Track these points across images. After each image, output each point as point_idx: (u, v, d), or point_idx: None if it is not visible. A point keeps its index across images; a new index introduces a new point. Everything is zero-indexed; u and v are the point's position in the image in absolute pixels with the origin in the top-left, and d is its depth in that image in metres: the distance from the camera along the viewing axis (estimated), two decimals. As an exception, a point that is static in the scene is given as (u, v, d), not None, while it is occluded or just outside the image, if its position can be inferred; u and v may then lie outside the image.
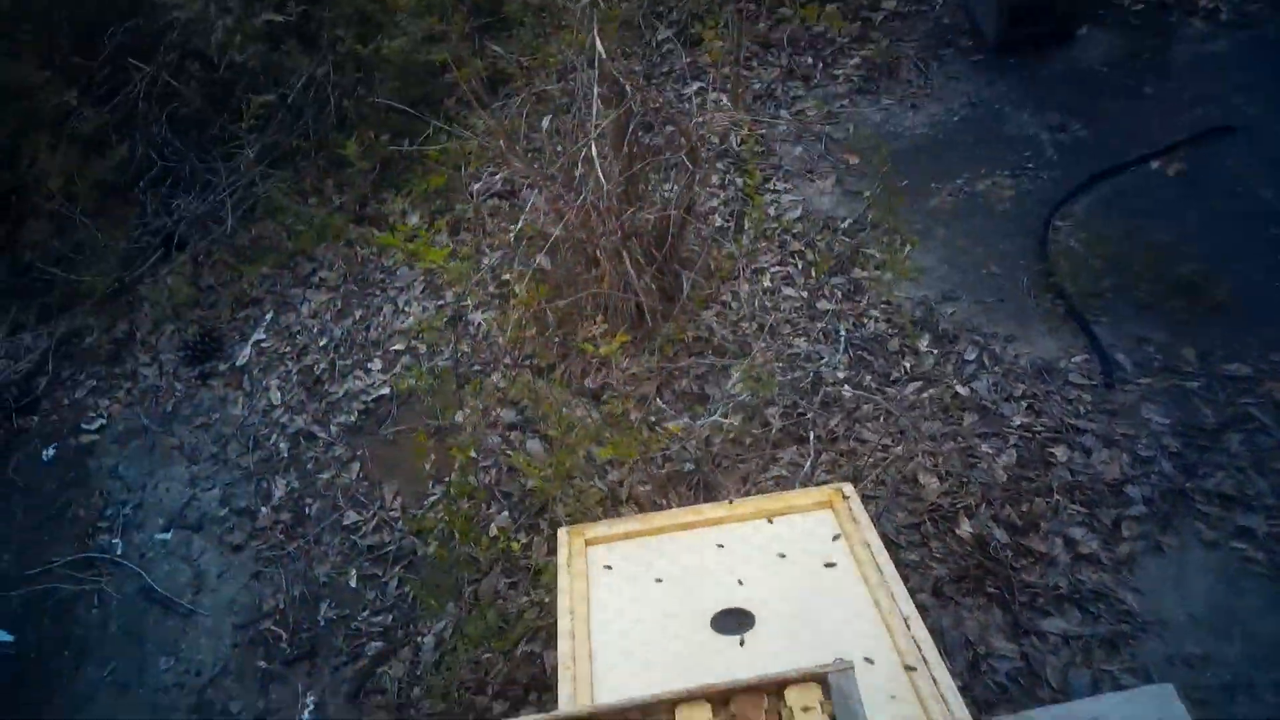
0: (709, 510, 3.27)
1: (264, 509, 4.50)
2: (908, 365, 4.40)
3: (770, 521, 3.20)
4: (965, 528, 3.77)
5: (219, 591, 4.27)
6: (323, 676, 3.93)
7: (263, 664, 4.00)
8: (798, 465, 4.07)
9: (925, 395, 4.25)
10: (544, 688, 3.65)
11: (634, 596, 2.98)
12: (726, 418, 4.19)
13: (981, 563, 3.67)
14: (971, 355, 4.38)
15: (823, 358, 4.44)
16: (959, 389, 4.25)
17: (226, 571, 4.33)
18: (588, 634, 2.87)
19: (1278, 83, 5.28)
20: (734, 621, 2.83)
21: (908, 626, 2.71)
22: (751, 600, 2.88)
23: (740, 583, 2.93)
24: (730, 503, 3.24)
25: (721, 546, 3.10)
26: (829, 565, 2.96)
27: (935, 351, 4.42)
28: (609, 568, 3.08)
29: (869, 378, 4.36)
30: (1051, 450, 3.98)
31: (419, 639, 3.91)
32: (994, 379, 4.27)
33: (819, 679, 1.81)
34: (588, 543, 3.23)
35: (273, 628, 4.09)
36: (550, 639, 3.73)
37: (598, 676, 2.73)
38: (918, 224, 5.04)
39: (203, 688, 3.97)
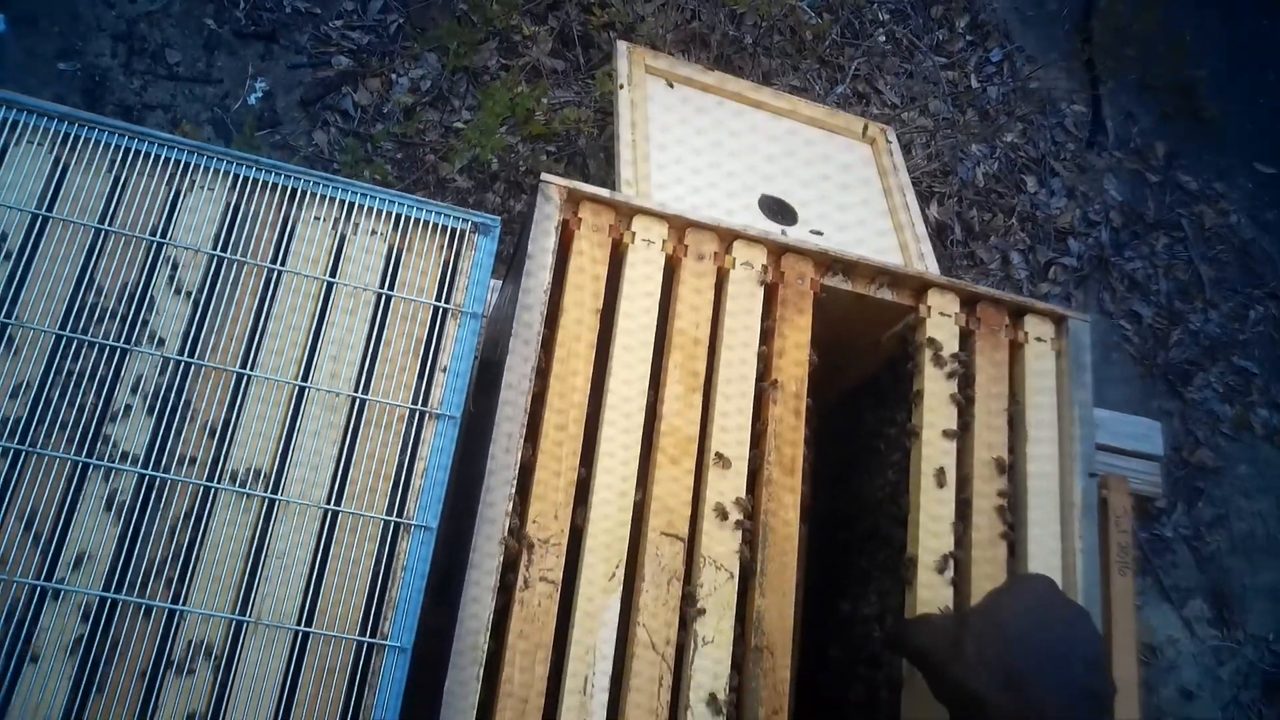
0: (766, 94, 3.22)
1: None
2: (940, 37, 4.35)
3: (820, 132, 3.22)
4: (933, 211, 3.98)
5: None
6: (278, 66, 3.59)
7: (210, 23, 3.57)
8: (813, 85, 4.02)
9: (945, 75, 4.26)
10: (515, 184, 3.59)
11: (688, 142, 2.94)
12: None
13: (935, 247, 3.92)
14: (996, 57, 4.40)
15: (872, -11, 4.28)
16: (974, 83, 4.30)
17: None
18: (647, 155, 2.82)
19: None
20: (777, 208, 2.89)
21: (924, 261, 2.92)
22: (790, 197, 2.94)
23: (783, 176, 2.97)
24: (786, 97, 3.20)
25: (770, 133, 3.09)
26: (865, 190, 3.06)
27: (969, 38, 4.39)
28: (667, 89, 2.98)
29: (904, 31, 4.28)
30: (1025, 178, 4.21)
31: (394, 76, 3.64)
32: (1005, 90, 4.35)
33: (1058, 318, 1.94)
34: (648, 69, 3.10)
35: (230, -11, 3.62)
36: (539, 140, 3.63)
37: (656, 193, 2.72)
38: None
39: (136, 18, 3.50)
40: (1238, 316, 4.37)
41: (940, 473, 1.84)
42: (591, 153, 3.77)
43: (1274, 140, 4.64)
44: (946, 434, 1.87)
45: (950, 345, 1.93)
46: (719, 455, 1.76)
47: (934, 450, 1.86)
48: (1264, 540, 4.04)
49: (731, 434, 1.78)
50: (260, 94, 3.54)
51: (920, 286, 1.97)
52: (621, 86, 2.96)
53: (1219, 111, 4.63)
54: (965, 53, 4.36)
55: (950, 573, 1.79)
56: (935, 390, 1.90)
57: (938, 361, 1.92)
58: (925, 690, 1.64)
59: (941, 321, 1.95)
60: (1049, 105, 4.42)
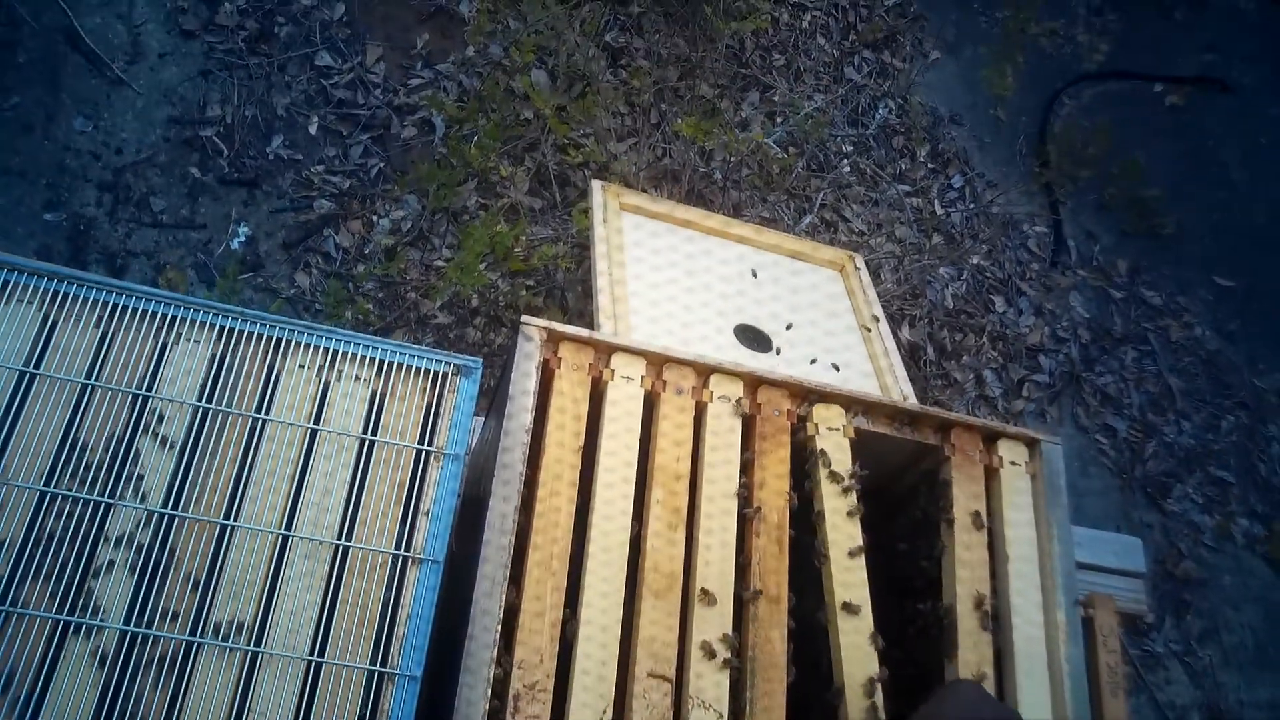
0: (736, 226, 3.31)
1: (227, 4, 3.97)
2: (903, 166, 4.51)
3: (788, 260, 3.31)
4: (905, 333, 4.06)
5: (158, 73, 3.79)
6: (260, 211, 3.68)
7: (195, 171, 3.67)
8: (782, 215, 4.15)
9: (909, 201, 4.41)
10: (495, 318, 3.65)
11: (663, 274, 3.01)
12: (743, 134, 4.14)
13: (908, 369, 3.99)
14: (958, 183, 4.57)
15: (835, 123, 4.46)
16: (938, 209, 4.45)
17: (171, 55, 3.83)
18: (624, 289, 2.88)
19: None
20: (752, 337, 2.95)
21: (903, 394, 2.96)
22: (764, 326, 3.00)
23: (757, 305, 3.03)
24: (756, 228, 3.30)
25: (742, 263, 3.17)
26: (837, 317, 3.12)
27: (930, 166, 4.56)
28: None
29: (867, 162, 4.44)
30: (993, 298, 4.32)
31: (375, 218, 3.73)
32: (968, 214, 4.50)
33: (1031, 441, 1.98)
34: (622, 206, 3.20)
35: (214, 139, 3.72)
36: (518, 275, 3.71)
37: (634, 326, 2.76)
38: (952, 35, 5.03)
39: (122, 168, 3.60)
40: (1210, 426, 4.43)
41: (847, 605, 1.84)
42: (570, 286, 3.85)
43: (1230, 253, 4.80)
44: (852, 554, 1.88)
45: (842, 461, 1.94)
46: (704, 591, 1.77)
47: (844, 574, 1.86)
48: (1255, 653, 4.02)
49: (715, 567, 1.79)
50: (243, 238, 3.62)
51: (893, 413, 2.01)
52: (597, 223, 3.05)
53: (1175, 228, 4.79)
54: (928, 180, 4.52)
55: (879, 697, 1.78)
56: (836, 508, 1.91)
57: (833, 478, 1.93)
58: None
59: (829, 434, 1.96)
60: (1011, 227, 4.56)
